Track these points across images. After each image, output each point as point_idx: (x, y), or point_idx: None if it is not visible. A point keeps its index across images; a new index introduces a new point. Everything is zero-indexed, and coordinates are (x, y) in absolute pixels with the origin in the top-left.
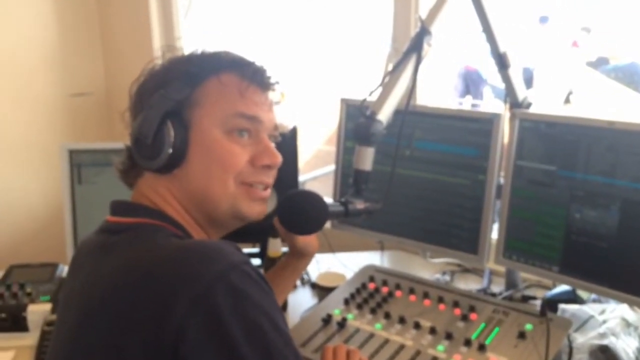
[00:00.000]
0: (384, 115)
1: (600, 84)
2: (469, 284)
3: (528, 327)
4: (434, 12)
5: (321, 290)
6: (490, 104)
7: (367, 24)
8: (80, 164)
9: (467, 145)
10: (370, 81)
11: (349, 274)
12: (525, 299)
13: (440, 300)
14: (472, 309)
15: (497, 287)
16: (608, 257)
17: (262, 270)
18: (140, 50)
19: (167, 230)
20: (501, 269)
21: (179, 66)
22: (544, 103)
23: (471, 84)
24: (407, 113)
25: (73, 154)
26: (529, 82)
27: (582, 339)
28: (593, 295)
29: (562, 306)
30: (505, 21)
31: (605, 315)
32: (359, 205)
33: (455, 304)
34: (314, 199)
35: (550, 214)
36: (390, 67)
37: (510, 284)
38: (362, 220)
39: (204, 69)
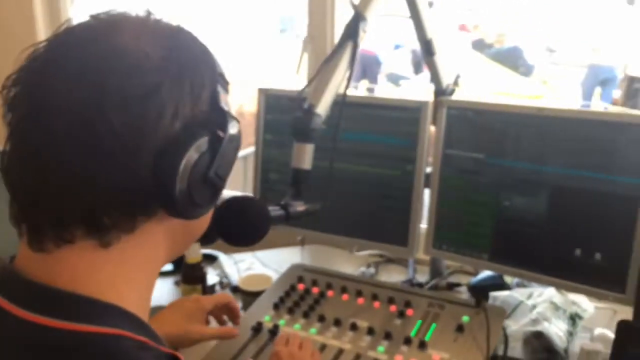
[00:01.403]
0: (323, 108)
1: (485, 66)
2: (394, 275)
3: (465, 319)
4: None
5: (246, 296)
6: (385, 87)
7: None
8: None
9: (394, 135)
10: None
11: (271, 273)
12: (451, 286)
13: (374, 297)
14: (407, 304)
15: (422, 276)
16: (538, 242)
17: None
18: (24, 42)
19: (135, 345)
20: (425, 257)
21: (207, 71)
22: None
23: (367, 68)
24: (343, 104)
25: None
26: (418, 66)
27: (515, 327)
28: (516, 279)
29: (492, 294)
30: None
31: (533, 300)
32: (300, 207)
33: (390, 301)
34: (255, 206)
35: (479, 202)
36: (305, 55)
37: (435, 272)
38: None
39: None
